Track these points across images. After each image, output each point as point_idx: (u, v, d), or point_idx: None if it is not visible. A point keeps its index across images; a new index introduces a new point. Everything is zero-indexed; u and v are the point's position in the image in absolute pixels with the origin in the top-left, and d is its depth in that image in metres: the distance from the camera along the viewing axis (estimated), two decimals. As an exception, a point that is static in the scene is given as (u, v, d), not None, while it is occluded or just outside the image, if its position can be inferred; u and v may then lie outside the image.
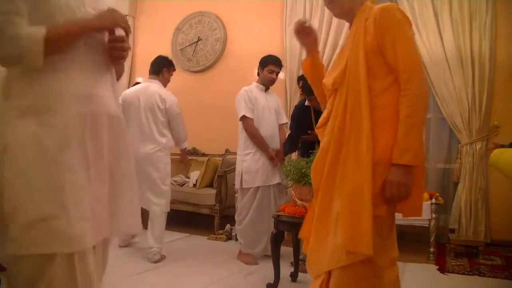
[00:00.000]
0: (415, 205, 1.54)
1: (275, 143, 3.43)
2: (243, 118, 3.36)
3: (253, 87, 3.49)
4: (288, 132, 3.57)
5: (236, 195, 4.32)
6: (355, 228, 1.40)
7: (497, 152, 3.15)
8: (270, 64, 3.42)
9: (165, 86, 3.60)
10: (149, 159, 3.34)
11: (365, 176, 1.41)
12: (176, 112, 3.48)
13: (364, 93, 1.46)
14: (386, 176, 1.43)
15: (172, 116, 3.46)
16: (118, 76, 1.57)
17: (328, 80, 1.64)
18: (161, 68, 3.56)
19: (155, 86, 3.49)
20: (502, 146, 3.44)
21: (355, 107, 1.47)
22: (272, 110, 3.49)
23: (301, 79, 3.81)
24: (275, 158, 3.32)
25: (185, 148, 3.68)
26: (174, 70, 3.70)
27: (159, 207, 3.37)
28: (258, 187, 3.33)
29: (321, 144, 1.61)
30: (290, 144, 3.40)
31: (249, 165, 3.35)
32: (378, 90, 1.48)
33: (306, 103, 3.26)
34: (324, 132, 1.61)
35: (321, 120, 1.66)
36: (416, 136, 1.43)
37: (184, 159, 3.72)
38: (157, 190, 3.37)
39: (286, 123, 3.68)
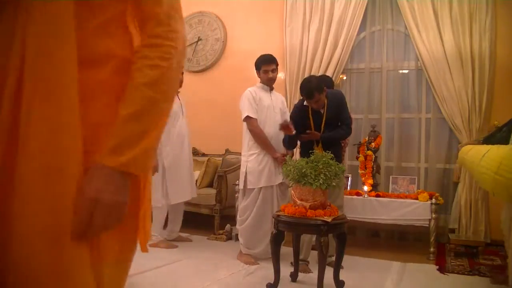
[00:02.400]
0: (132, 240, 0.92)
1: (281, 142, 3.42)
2: (247, 118, 3.37)
3: (258, 87, 3.50)
4: None
5: (236, 195, 4.33)
6: None
7: (465, 149, 3.01)
8: (262, 66, 3.44)
9: None
10: None
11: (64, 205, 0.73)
12: None
13: (68, 26, 0.74)
14: (82, 189, 0.74)
15: None
16: None
17: None
18: None
19: None
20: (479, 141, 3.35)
21: (45, 58, 0.73)
22: (277, 109, 3.48)
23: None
24: (281, 162, 3.29)
25: None
26: None
27: None
28: (262, 187, 3.34)
29: None
30: (288, 143, 3.39)
31: (253, 166, 3.34)
32: (91, 26, 0.78)
33: (305, 102, 3.25)
34: None
35: None
36: (157, 123, 0.80)
37: None
38: None
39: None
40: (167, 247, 3.68)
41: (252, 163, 3.35)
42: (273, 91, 3.56)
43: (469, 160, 2.66)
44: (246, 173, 3.37)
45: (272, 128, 3.39)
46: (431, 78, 4.24)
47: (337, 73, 4.62)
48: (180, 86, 3.95)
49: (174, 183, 3.74)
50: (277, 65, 3.48)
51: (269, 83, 3.48)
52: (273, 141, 3.38)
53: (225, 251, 3.70)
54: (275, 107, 3.47)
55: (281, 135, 3.44)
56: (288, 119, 3.57)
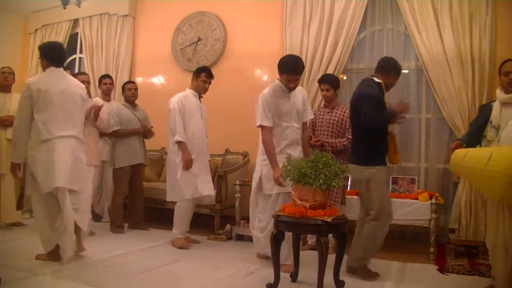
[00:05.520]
0: None
1: (300, 147, 3.27)
2: (261, 126, 3.18)
3: (276, 88, 3.22)
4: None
5: (236, 195, 4.33)
6: None
7: (458, 154, 2.75)
8: (285, 74, 3.14)
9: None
10: None
11: None
12: None
13: None
14: None
15: None
16: None
17: None
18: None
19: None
20: (459, 140, 3.10)
21: None
22: (295, 113, 3.25)
23: (323, 81, 3.83)
24: (279, 183, 3.04)
25: None
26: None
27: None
28: (281, 193, 3.15)
29: None
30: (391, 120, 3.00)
31: (267, 172, 3.17)
32: None
33: (376, 79, 3.05)
34: None
35: None
36: None
37: None
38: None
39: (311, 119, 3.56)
40: (180, 246, 3.72)
41: (267, 169, 3.18)
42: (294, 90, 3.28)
43: (470, 166, 2.47)
44: (261, 177, 3.23)
45: (290, 134, 3.21)
46: (431, 78, 4.23)
47: (337, 73, 4.62)
48: (205, 92, 3.97)
49: (175, 181, 3.77)
50: (302, 72, 3.22)
51: (289, 89, 3.23)
52: (292, 147, 3.19)
53: (225, 251, 3.70)
54: (292, 111, 3.23)
55: (299, 138, 3.29)
56: (307, 116, 3.38)
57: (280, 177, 2.97)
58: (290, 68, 3.12)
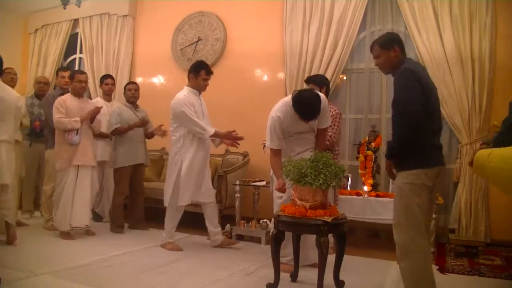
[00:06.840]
0: None
1: (313, 150, 3.15)
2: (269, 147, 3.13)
3: (290, 109, 3.02)
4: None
5: (236, 195, 4.33)
6: None
7: (482, 155, 2.55)
8: (298, 114, 2.94)
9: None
10: None
11: None
12: None
13: None
14: None
15: None
16: None
17: None
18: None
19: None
20: (485, 144, 2.91)
21: None
22: (308, 126, 3.10)
23: (310, 81, 3.68)
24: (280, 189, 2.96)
25: None
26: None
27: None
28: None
29: None
30: None
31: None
32: None
33: None
34: None
35: None
36: None
37: None
38: None
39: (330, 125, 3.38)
40: (171, 249, 3.66)
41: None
42: None
43: (495, 166, 2.31)
44: (272, 179, 3.21)
45: (306, 143, 3.16)
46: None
47: (337, 73, 4.62)
48: (205, 89, 3.88)
49: (176, 185, 3.65)
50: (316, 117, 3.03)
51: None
52: (305, 152, 3.08)
53: (225, 251, 3.70)
54: (306, 126, 3.11)
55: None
56: (323, 124, 3.18)
57: (282, 185, 2.90)
58: (302, 115, 2.94)
